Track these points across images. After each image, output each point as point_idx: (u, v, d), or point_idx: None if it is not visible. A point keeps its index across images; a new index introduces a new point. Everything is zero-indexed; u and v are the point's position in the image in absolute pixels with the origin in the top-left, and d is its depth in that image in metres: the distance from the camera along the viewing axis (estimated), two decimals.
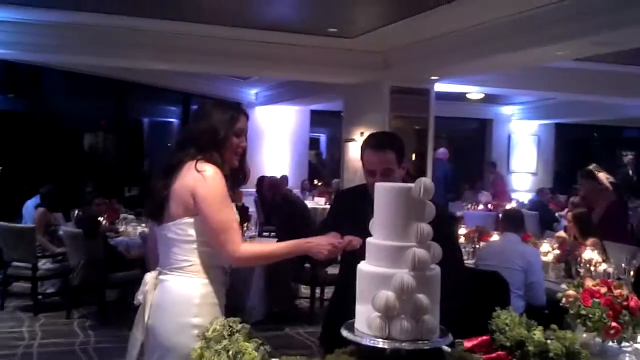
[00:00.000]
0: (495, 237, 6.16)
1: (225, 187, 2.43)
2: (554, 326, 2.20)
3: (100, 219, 7.17)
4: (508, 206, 11.69)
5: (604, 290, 2.45)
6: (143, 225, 7.79)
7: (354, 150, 9.58)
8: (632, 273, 4.78)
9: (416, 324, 2.02)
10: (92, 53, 8.21)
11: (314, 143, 18.25)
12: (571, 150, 17.70)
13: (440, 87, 9.40)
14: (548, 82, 10.07)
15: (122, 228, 7.59)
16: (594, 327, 2.40)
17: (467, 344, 2.42)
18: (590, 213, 6.82)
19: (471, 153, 16.45)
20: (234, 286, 6.84)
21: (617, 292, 2.44)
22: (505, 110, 15.87)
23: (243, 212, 8.34)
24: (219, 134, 2.47)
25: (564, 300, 2.51)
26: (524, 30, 6.31)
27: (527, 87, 10.73)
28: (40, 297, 6.97)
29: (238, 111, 2.56)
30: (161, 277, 2.49)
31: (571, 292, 2.49)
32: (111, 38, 8.01)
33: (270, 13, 7.58)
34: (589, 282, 2.51)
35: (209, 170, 2.40)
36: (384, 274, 2.07)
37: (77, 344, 5.86)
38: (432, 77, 8.77)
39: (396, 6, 7.01)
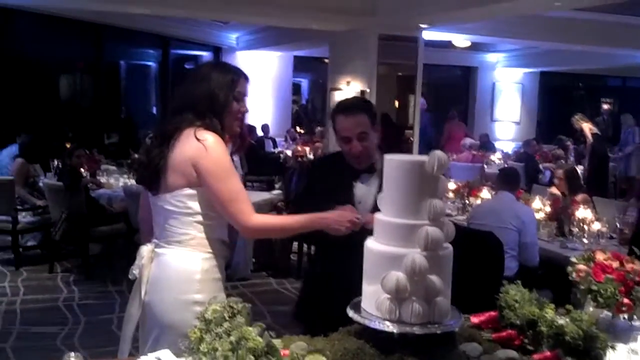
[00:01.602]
0: (485, 192, 6.09)
1: (228, 155, 2.30)
2: (568, 307, 2.12)
3: (82, 170, 6.97)
4: (492, 157, 11.67)
5: (615, 264, 2.37)
6: (125, 176, 7.63)
7: (340, 99, 9.38)
8: (625, 230, 4.77)
9: (428, 306, 1.93)
10: None
11: (295, 89, 17.97)
12: (555, 99, 17.63)
13: (426, 34, 9.17)
14: (536, 30, 9.90)
15: (103, 180, 7.40)
16: (606, 304, 2.32)
17: (474, 319, 2.34)
18: None
19: (455, 101, 16.31)
20: None
21: (629, 266, 2.36)
22: (490, 57, 15.70)
23: None
24: (219, 99, 2.31)
25: (574, 274, 2.42)
26: None
27: (515, 36, 10.57)
28: (21, 249, 6.82)
29: (238, 74, 2.40)
30: (158, 250, 2.35)
31: (582, 266, 2.40)
32: None
33: None
34: (599, 256, 2.42)
35: (210, 139, 2.24)
36: (395, 253, 1.96)
37: (61, 300, 5.74)
38: (422, 25, 8.52)
39: None
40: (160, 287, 2.31)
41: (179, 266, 2.30)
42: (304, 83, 21.05)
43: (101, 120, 12.09)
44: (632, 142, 13.05)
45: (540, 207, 5.48)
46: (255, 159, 10.92)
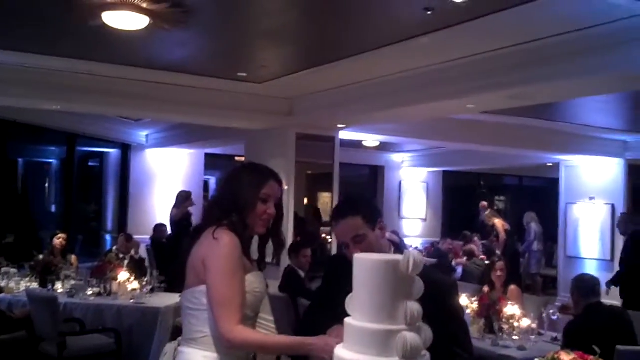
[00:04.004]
0: None
1: (236, 258, 2.33)
2: None
3: None
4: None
5: None
6: (27, 279, 7.03)
7: None
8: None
9: None
10: None
11: (204, 186, 17.69)
12: (458, 196, 18.35)
13: (341, 134, 9.36)
14: (440, 131, 10.32)
15: (3, 284, 6.79)
16: None
17: None
18: None
19: None
20: (131, 347, 6.24)
21: None
22: (396, 157, 16.24)
23: (139, 264, 7.79)
24: (243, 199, 2.42)
25: None
26: (437, 82, 6.35)
27: (424, 137, 10.97)
28: None
29: (267, 176, 2.49)
30: (180, 347, 2.43)
31: None
32: None
33: (174, 54, 7.22)
34: (564, 357, 2.37)
35: (224, 238, 2.32)
36: None
37: None
38: (339, 126, 8.71)
39: (307, 55, 6.88)
40: None
41: None
42: (212, 180, 20.89)
43: None
44: (528, 239, 13.64)
45: (467, 303, 5.49)
46: (166, 257, 10.47)
